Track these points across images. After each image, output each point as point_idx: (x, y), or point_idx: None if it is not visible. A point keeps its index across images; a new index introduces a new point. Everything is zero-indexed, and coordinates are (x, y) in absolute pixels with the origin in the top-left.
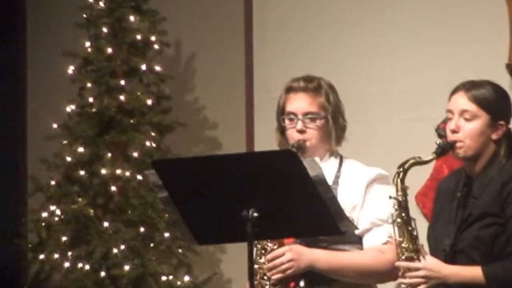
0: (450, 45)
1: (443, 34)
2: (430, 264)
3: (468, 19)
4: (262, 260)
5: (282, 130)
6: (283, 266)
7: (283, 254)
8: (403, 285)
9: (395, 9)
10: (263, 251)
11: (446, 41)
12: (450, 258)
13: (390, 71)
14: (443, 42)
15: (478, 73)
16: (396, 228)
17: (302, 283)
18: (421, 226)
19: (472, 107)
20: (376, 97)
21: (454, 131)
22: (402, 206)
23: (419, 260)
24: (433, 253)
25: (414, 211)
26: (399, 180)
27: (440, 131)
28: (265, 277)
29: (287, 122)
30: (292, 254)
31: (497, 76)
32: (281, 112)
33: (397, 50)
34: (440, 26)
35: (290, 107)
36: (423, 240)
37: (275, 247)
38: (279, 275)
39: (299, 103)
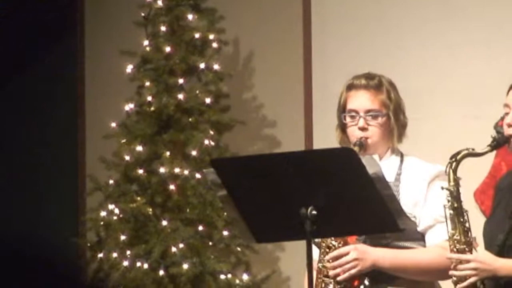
0: (510, 42)
1: (504, 31)
2: (481, 256)
3: None
4: (327, 258)
5: (343, 128)
6: (348, 265)
7: (347, 253)
8: (454, 277)
9: (455, 5)
10: (327, 250)
11: (507, 37)
12: (503, 252)
13: (449, 67)
14: (504, 38)
15: None
16: (448, 220)
17: (366, 281)
18: (480, 223)
19: None
20: (434, 94)
21: (510, 125)
22: (454, 196)
23: (471, 253)
24: (488, 248)
25: (473, 208)
26: (451, 171)
27: (499, 128)
28: (330, 276)
29: (348, 119)
30: (358, 253)
31: None
32: (342, 109)
33: (457, 47)
34: (500, 23)
35: (351, 105)
36: (478, 234)
37: (340, 245)
38: (344, 275)
39: (361, 100)
